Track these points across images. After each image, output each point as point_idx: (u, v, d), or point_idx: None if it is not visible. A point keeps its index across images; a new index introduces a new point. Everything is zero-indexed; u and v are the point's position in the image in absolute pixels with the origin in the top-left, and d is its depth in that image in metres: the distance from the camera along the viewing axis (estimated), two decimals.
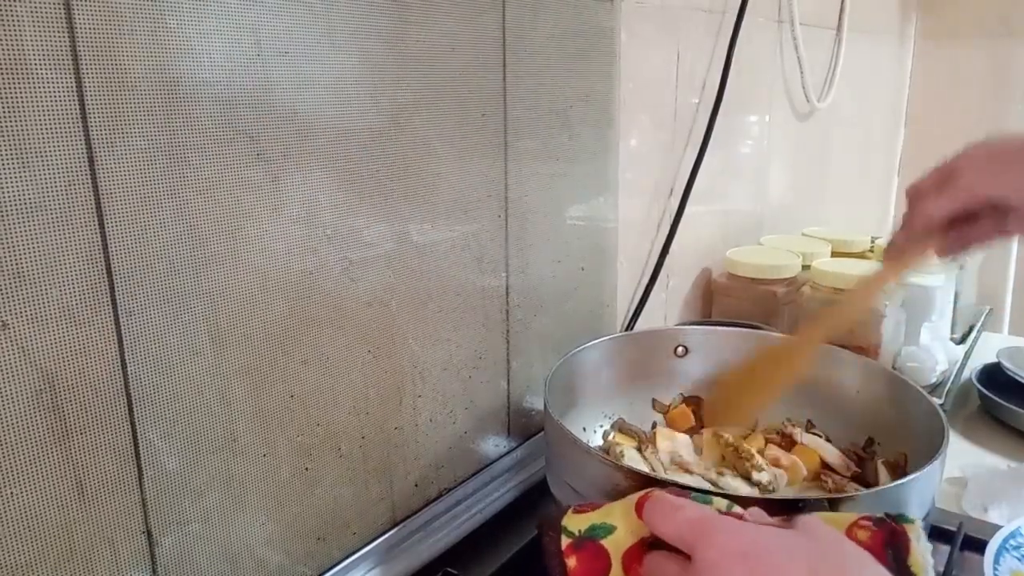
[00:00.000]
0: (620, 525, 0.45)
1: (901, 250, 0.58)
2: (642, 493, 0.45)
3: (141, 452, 0.46)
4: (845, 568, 0.38)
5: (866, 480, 0.64)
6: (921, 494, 0.53)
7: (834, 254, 1.15)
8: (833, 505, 0.46)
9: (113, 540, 0.46)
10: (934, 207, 0.55)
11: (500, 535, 0.67)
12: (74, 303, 0.42)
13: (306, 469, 0.57)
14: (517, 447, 0.79)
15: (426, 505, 0.68)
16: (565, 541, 0.45)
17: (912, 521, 0.43)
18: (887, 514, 0.44)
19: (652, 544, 0.43)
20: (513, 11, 0.67)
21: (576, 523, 0.46)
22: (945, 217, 0.55)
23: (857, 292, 0.60)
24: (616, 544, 0.44)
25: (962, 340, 1.14)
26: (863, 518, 0.44)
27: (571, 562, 0.45)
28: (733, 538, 0.39)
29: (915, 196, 0.57)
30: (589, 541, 0.45)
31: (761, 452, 0.65)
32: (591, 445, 0.69)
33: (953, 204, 0.54)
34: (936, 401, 0.61)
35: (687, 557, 0.40)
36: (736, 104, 1.10)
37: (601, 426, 0.74)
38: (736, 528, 0.40)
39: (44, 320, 0.41)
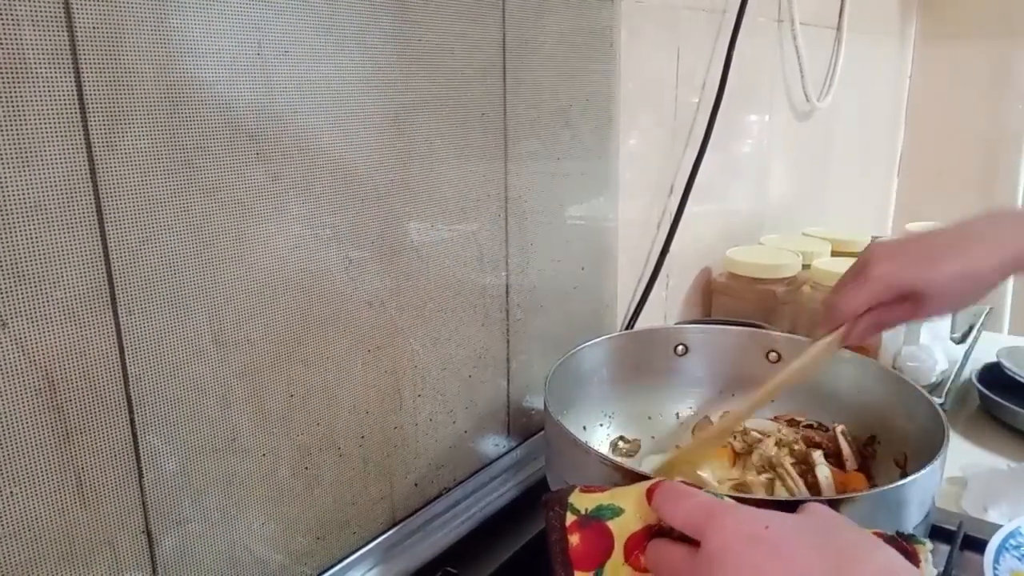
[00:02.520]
0: (629, 509, 0.44)
1: (824, 336, 0.61)
2: (654, 481, 0.45)
3: (141, 452, 0.46)
4: (855, 549, 0.38)
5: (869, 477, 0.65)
6: (921, 494, 0.53)
7: (834, 253, 1.15)
8: (834, 506, 0.46)
9: (113, 540, 0.46)
10: (852, 299, 0.59)
11: (500, 535, 0.67)
12: (74, 303, 0.42)
13: (306, 469, 0.57)
14: (517, 447, 0.79)
15: (426, 504, 0.68)
16: (570, 518, 0.45)
17: (923, 543, 0.43)
18: (899, 533, 0.44)
19: (657, 533, 0.43)
20: (513, 11, 0.67)
21: (583, 502, 0.46)
22: (860, 309, 0.59)
23: (786, 373, 0.62)
24: (622, 527, 0.44)
25: (962, 340, 1.14)
26: (875, 533, 0.44)
27: (574, 539, 0.44)
28: (743, 522, 0.39)
29: (834, 290, 0.61)
30: (595, 521, 0.45)
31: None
32: (591, 444, 0.69)
33: (867, 295, 0.58)
34: (936, 401, 0.61)
35: (694, 546, 0.40)
36: (736, 104, 1.10)
37: (601, 425, 0.74)
38: (746, 513, 0.40)
39: (44, 320, 0.41)
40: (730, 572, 0.37)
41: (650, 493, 0.44)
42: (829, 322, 0.60)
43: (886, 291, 0.58)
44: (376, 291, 0.60)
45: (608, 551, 0.44)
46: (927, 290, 0.57)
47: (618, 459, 0.64)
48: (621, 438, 0.74)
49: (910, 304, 0.58)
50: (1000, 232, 0.58)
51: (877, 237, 1.22)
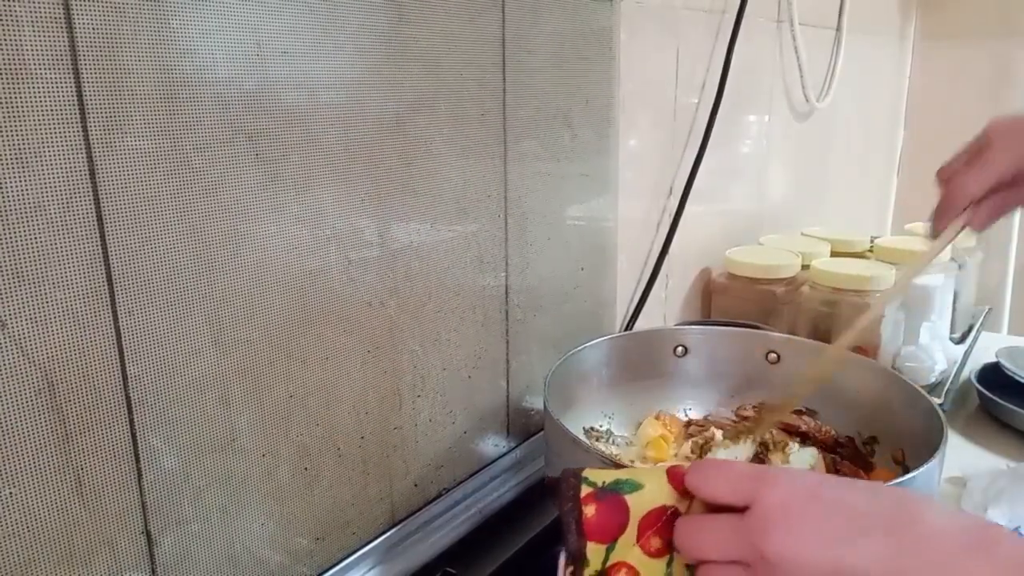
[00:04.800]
0: (649, 486, 0.42)
1: (942, 227, 0.59)
2: (674, 464, 0.43)
3: (140, 452, 0.46)
4: (908, 504, 0.37)
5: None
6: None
7: (833, 254, 1.15)
8: None
9: (112, 541, 0.46)
10: (972, 182, 0.55)
11: (500, 535, 0.67)
12: (74, 303, 0.42)
13: (305, 469, 0.57)
14: (517, 447, 0.79)
15: (426, 505, 0.68)
16: (585, 490, 0.42)
17: None
18: None
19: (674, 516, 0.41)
20: (512, 11, 0.67)
21: (599, 476, 0.43)
22: (983, 190, 0.55)
23: (908, 267, 0.60)
24: (639, 503, 0.42)
25: (961, 340, 1.14)
26: None
27: (589, 510, 0.41)
28: (797, 480, 0.38)
29: (950, 175, 0.58)
30: (612, 494, 0.42)
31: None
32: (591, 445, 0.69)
33: (989, 176, 0.55)
34: (935, 401, 0.61)
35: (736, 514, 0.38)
36: (735, 104, 1.10)
37: (601, 425, 0.74)
38: (797, 473, 0.39)
39: (44, 320, 0.41)
40: (792, 525, 0.36)
41: (677, 475, 0.42)
42: (949, 209, 0.57)
43: (1009, 170, 0.54)
44: (375, 291, 0.60)
45: (622, 527, 0.41)
46: None
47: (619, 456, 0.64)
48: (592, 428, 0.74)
49: None
50: None
51: (876, 237, 1.22)
